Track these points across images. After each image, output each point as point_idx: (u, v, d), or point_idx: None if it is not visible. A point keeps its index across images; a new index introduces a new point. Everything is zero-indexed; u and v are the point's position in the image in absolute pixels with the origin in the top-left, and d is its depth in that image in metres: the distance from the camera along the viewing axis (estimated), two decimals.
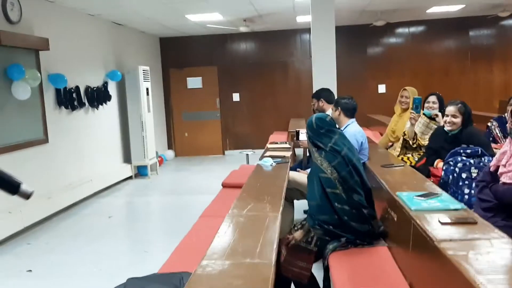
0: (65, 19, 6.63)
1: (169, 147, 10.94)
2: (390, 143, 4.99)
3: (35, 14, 5.81)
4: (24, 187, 0.88)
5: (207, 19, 8.19)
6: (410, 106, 4.63)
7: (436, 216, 2.22)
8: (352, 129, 3.92)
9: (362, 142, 3.86)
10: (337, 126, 3.01)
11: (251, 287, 1.62)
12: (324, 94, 4.94)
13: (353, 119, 4.01)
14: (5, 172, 0.87)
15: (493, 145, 4.07)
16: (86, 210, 6.37)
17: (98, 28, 7.72)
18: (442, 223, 2.14)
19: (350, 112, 4.00)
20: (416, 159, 4.19)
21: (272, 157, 4.47)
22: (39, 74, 5.56)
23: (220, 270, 1.79)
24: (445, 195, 2.59)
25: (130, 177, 8.33)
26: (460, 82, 9.76)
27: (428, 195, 2.55)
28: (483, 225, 2.08)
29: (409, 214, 2.33)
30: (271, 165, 4.19)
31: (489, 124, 4.84)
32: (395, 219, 2.63)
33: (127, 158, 8.53)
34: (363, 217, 2.71)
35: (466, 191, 3.11)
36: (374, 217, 2.82)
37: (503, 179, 2.56)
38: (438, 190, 2.73)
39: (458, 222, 2.15)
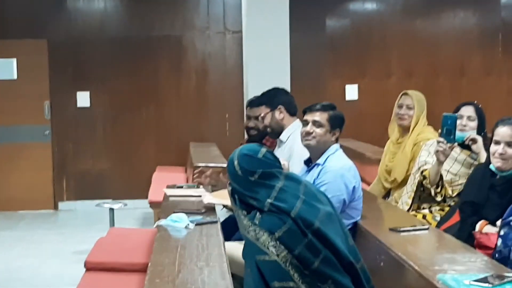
0: None
1: None
2: (384, 191, 4.11)
3: None
4: None
5: None
6: (422, 127, 3.82)
7: None
8: (336, 164, 2.98)
9: (354, 188, 2.92)
10: (282, 162, 2.45)
11: None
12: (283, 98, 3.92)
13: (337, 144, 3.07)
14: None
15: None
16: None
17: None
18: None
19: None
20: (438, 217, 3.45)
21: (186, 212, 3.29)
22: None
23: None
24: None
25: None
26: (485, 87, 7.14)
27: (493, 278, 2.02)
28: None
29: None
30: (186, 227, 3.03)
31: None
32: None
33: None
34: None
35: None
36: None
37: None
38: (506, 270, 2.21)
39: None
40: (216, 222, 3.20)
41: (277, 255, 2.14)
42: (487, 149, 3.10)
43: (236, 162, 2.31)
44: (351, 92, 7.30)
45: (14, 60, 6.98)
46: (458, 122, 3.38)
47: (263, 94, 4.21)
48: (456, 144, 3.34)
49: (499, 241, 2.63)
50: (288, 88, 4.67)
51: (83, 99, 7.15)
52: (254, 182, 2.24)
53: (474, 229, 2.94)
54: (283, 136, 3.51)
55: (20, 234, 6.47)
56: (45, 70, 7.08)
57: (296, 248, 2.14)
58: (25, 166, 7.17)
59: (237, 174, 2.31)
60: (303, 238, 2.15)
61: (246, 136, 4.88)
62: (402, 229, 2.87)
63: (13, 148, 7.16)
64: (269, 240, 2.16)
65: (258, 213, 2.21)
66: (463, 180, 3.35)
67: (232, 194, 2.35)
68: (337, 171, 2.91)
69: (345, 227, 2.36)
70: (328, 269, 2.13)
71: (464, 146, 3.39)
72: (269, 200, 2.19)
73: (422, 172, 3.46)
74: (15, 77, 7.00)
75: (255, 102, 4.39)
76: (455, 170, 3.46)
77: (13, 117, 7.05)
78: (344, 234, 2.29)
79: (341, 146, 3.17)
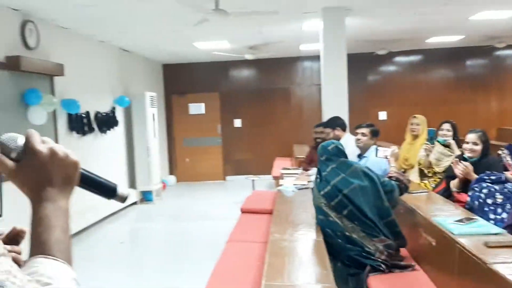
0: (77, 45, 6.72)
1: (171, 172, 10.94)
2: (402, 170, 5.02)
3: (51, 40, 5.88)
4: (120, 190, 0.90)
5: (214, 47, 8.32)
6: (423, 135, 4.73)
7: (479, 240, 2.28)
8: (374, 156, 4.01)
9: (385, 169, 3.91)
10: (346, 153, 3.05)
11: None
12: (339, 122, 5.06)
13: (375, 146, 4.13)
14: (100, 176, 0.90)
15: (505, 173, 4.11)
16: (94, 237, 6.28)
17: (107, 55, 7.82)
18: (489, 247, 2.21)
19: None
20: (433, 185, 4.26)
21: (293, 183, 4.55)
22: (54, 100, 5.61)
23: None
24: (482, 221, 2.68)
25: (135, 203, 8.28)
26: (459, 111, 9.88)
27: (465, 220, 2.62)
28: None
29: (452, 239, 2.39)
30: (292, 191, 4.24)
31: (499, 152, 4.94)
32: (433, 243, 2.69)
33: (132, 183, 8.51)
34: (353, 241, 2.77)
35: (492, 216, 3.14)
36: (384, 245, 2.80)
37: None
38: (473, 215, 2.82)
39: (504, 245, 2.22)
40: (308, 188, 4.29)
41: (324, 204, 2.86)
42: (459, 146, 3.99)
43: (320, 150, 3.03)
44: (382, 115, 10.29)
45: (203, 104, 10.74)
46: (440, 132, 4.32)
47: (327, 120, 5.32)
48: (435, 144, 4.27)
49: (468, 199, 3.28)
50: (347, 115, 5.73)
51: (237, 122, 10.70)
52: (322, 161, 2.99)
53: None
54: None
55: (206, 193, 9.36)
56: (218, 108, 10.71)
57: (332, 202, 2.81)
58: (207, 157, 10.83)
59: (319, 156, 3.03)
60: (335, 197, 2.80)
61: (313, 143, 6.02)
62: (413, 191, 3.61)
63: (201, 149, 10.85)
64: (320, 195, 2.90)
65: (318, 179, 2.97)
66: (444, 163, 4.23)
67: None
68: (376, 159, 3.95)
69: (378, 196, 2.79)
70: (353, 217, 2.74)
71: (445, 145, 4.28)
72: (323, 173, 2.92)
73: (418, 161, 4.52)
74: (204, 112, 10.77)
75: (322, 125, 5.58)
76: (439, 158, 4.31)
77: (202, 132, 10.75)
78: (375, 199, 2.78)
79: (377, 148, 4.05)
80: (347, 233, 2.75)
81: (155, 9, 5.57)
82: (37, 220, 0.76)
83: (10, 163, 0.77)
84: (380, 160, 3.93)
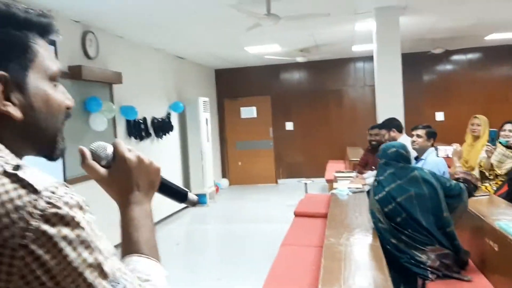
0: (134, 53, 6.97)
1: (223, 175, 11.08)
2: None
3: (109, 49, 6.14)
4: (190, 195, 0.98)
5: (265, 50, 8.39)
6: (485, 137, 4.61)
7: None
8: (432, 158, 3.91)
9: (444, 172, 3.80)
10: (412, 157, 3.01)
11: None
12: (395, 123, 4.98)
13: (432, 148, 4.00)
14: (173, 182, 0.98)
15: None
16: None
17: (162, 62, 8.06)
18: None
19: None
20: (495, 188, 4.14)
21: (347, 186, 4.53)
22: (114, 107, 5.84)
23: None
24: None
25: (188, 206, 8.40)
26: None
27: None
28: None
29: None
30: (347, 194, 4.21)
31: None
32: (496, 249, 2.58)
33: (186, 186, 8.69)
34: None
35: None
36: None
37: None
38: None
39: None
40: (363, 191, 4.26)
41: (377, 209, 2.82)
42: None
43: (380, 152, 2.99)
44: (439, 116, 9.93)
45: (255, 108, 10.79)
46: (502, 133, 4.21)
47: (383, 122, 5.25)
48: (496, 145, 4.15)
49: None
50: (403, 116, 5.59)
51: (289, 125, 10.67)
52: (381, 165, 2.95)
53: None
54: None
55: (259, 196, 9.32)
56: (269, 111, 10.76)
57: (385, 208, 2.76)
58: (259, 160, 10.87)
59: (378, 158, 3.00)
60: (389, 204, 2.75)
61: (368, 145, 5.97)
62: (476, 195, 3.43)
63: (253, 152, 10.93)
64: (375, 200, 2.85)
65: (376, 183, 2.92)
66: (506, 165, 4.14)
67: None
68: (434, 162, 3.81)
69: (437, 205, 2.70)
70: (406, 225, 2.67)
71: (508, 147, 4.15)
72: (380, 177, 2.88)
73: (479, 163, 4.39)
74: (255, 115, 10.81)
75: (376, 127, 5.54)
76: (501, 159, 4.18)
77: (254, 136, 10.84)
78: (434, 208, 2.69)
79: (436, 148, 3.98)
80: (393, 241, 2.70)
81: (208, 16, 5.70)
82: (127, 222, 0.83)
83: (102, 170, 0.86)
84: (438, 162, 3.82)
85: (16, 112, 0.70)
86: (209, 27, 6.36)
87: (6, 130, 0.70)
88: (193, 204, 0.98)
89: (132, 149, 0.87)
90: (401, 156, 2.86)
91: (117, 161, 0.85)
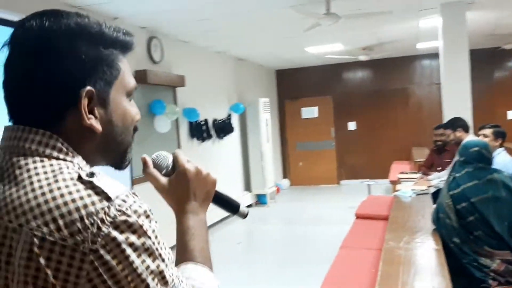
0: (196, 57, 7.16)
1: (284, 176, 11.09)
2: None
3: (173, 54, 6.35)
4: (242, 208, 1.01)
5: (327, 50, 8.32)
6: None
7: None
8: (501, 159, 3.74)
9: None
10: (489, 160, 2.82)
11: None
12: (461, 123, 4.80)
13: (501, 148, 3.86)
14: (226, 194, 1.01)
15: None
16: (214, 237, 6.59)
17: (224, 64, 8.22)
18: None
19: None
20: None
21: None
22: (177, 109, 6.03)
23: None
24: None
25: (250, 205, 8.56)
26: None
27: None
28: None
29: None
30: (410, 196, 4.10)
31: None
32: None
33: (247, 186, 8.82)
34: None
35: None
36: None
37: None
38: None
39: None
40: (427, 193, 4.26)
41: (448, 204, 2.73)
42: None
43: (460, 149, 2.88)
44: (511, 115, 9.51)
45: (316, 108, 10.74)
46: None
47: (448, 121, 5.09)
48: None
49: None
50: (471, 115, 5.43)
51: (351, 125, 10.52)
52: (459, 162, 2.85)
53: None
54: None
55: (321, 197, 9.26)
56: (331, 111, 10.53)
57: (458, 205, 2.68)
58: (321, 161, 10.74)
59: (458, 155, 2.88)
60: (462, 202, 2.67)
61: (433, 146, 5.93)
62: None
63: (315, 153, 10.79)
64: (448, 194, 2.77)
65: (451, 178, 2.84)
66: None
67: None
68: (503, 163, 3.63)
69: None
70: (477, 226, 2.58)
71: None
72: (457, 174, 2.79)
73: None
74: (317, 116, 10.76)
75: (442, 126, 5.44)
76: None
77: (315, 136, 10.68)
78: (509, 214, 2.59)
79: (506, 148, 3.91)
80: (457, 240, 2.60)
81: (268, 18, 5.75)
82: (183, 230, 0.87)
83: (163, 179, 0.90)
84: (507, 162, 3.64)
85: (98, 125, 0.74)
86: (269, 28, 6.40)
87: (86, 142, 0.75)
88: (244, 216, 1.01)
89: (190, 160, 0.91)
90: (483, 157, 2.78)
91: (176, 171, 0.89)
